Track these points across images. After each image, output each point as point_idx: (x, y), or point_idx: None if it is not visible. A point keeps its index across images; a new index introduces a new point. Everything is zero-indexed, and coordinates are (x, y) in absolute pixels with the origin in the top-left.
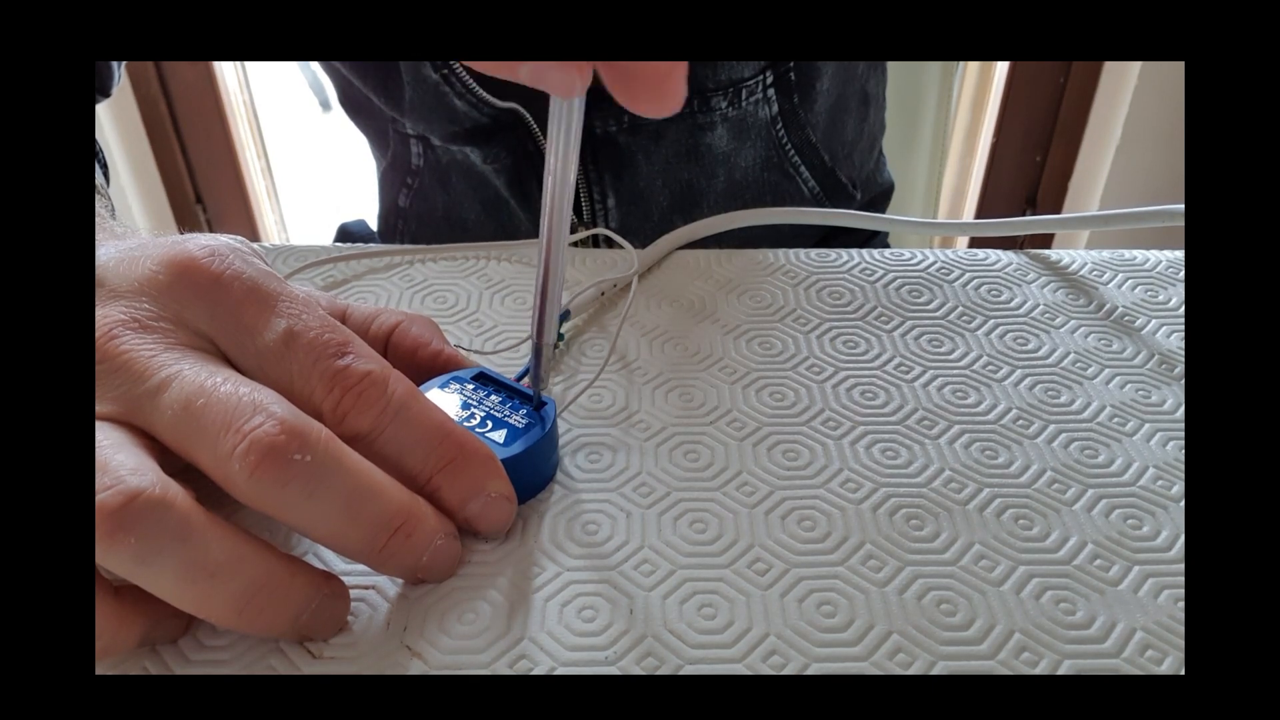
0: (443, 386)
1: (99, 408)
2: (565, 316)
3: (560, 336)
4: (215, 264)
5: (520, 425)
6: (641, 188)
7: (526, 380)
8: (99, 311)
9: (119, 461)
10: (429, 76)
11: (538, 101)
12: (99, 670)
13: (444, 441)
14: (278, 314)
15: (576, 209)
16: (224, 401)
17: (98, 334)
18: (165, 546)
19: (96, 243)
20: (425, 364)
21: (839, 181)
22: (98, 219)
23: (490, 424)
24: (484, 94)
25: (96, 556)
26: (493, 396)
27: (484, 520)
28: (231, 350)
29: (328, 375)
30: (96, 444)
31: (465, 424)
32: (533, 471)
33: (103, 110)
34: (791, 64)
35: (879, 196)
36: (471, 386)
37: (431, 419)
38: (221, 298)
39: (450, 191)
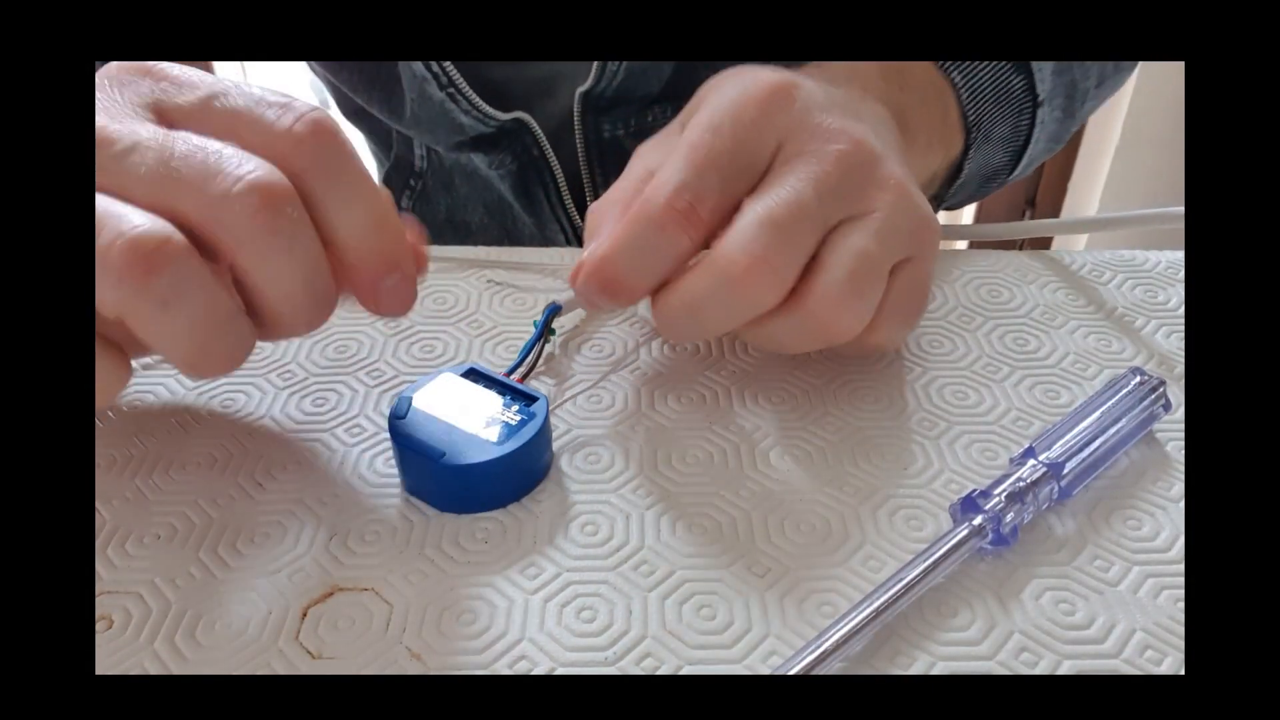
0: (434, 383)
1: None
2: (555, 310)
3: (551, 331)
4: (147, 63)
5: (514, 422)
6: None
7: (517, 376)
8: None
9: (131, 211)
10: (434, 95)
11: (542, 108)
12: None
13: (383, 204)
14: (212, 79)
15: (582, 211)
16: (202, 151)
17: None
18: (191, 293)
19: None
20: None
21: None
22: None
23: (483, 421)
24: (489, 109)
25: (123, 302)
26: (485, 392)
27: (395, 299)
28: (175, 111)
29: (275, 107)
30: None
31: (459, 422)
32: (526, 469)
33: None
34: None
35: None
36: (464, 382)
37: (370, 179)
38: (161, 72)
39: (453, 194)
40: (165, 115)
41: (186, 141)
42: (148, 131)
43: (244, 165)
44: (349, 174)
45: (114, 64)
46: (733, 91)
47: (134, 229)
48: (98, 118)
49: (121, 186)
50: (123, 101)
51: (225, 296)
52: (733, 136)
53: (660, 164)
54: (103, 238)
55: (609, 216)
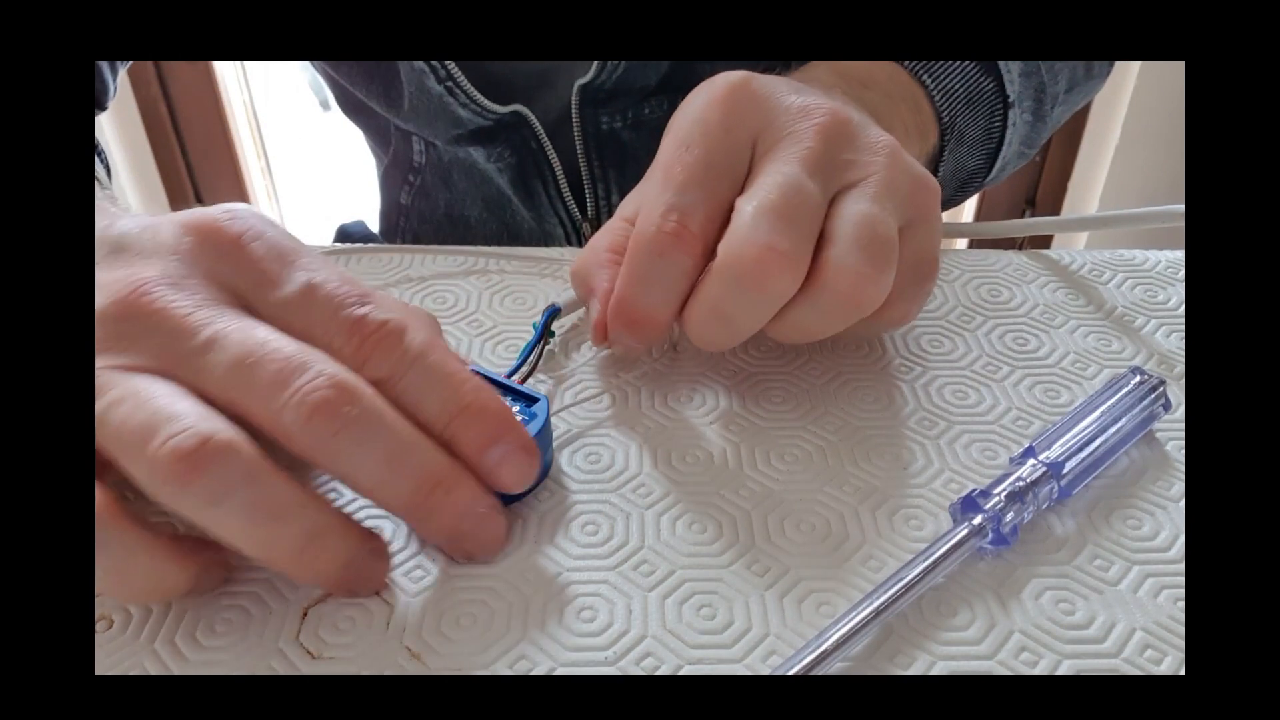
0: None
1: (137, 360)
2: (555, 312)
3: (551, 333)
4: (235, 225)
5: None
6: None
7: (518, 377)
8: (127, 271)
9: (185, 409)
10: (433, 89)
11: (540, 101)
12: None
13: (461, 389)
14: (297, 268)
15: (580, 204)
16: (274, 359)
17: (130, 290)
18: (236, 487)
19: (114, 218)
20: None
21: None
22: (106, 204)
23: None
24: (488, 102)
25: (170, 501)
26: None
27: (505, 470)
28: (256, 303)
29: (347, 324)
30: (154, 394)
31: None
32: None
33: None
34: (790, 66)
35: None
36: None
37: (449, 368)
38: (243, 256)
39: (452, 189)
40: (245, 304)
41: (262, 346)
42: (225, 324)
43: (307, 375)
44: (423, 366)
45: (198, 219)
46: (692, 107)
47: (177, 434)
48: (176, 296)
49: (197, 382)
50: (202, 281)
51: (285, 486)
52: (703, 146)
53: (639, 205)
54: (151, 442)
55: (594, 265)
